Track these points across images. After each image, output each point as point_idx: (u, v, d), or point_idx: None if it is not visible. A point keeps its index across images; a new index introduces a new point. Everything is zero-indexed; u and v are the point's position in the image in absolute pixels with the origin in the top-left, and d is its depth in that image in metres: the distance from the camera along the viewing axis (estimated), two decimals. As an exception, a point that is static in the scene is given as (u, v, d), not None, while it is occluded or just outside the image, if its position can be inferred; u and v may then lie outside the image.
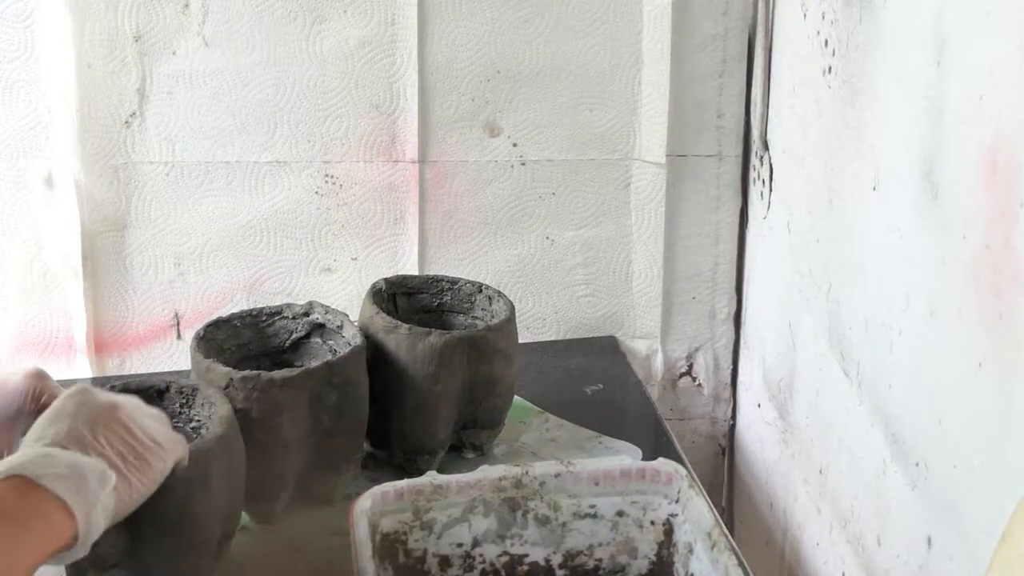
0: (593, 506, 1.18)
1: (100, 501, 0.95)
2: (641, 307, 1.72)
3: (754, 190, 1.65)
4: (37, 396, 1.10)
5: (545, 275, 1.70)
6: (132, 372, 1.63)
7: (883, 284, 1.18)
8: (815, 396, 1.41)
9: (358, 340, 1.30)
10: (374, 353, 1.33)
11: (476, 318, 1.43)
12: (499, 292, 1.43)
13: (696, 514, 1.15)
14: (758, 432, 1.66)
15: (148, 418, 1.04)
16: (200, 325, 1.32)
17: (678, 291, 1.73)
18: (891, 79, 1.16)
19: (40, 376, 1.12)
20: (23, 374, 1.11)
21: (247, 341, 1.35)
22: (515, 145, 1.64)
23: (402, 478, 1.18)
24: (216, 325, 1.32)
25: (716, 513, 1.17)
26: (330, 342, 1.35)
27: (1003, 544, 0.86)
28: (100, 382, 1.51)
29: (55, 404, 1.02)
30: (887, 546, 1.19)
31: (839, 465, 1.33)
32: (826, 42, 1.33)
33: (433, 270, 1.65)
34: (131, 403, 1.05)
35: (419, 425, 1.34)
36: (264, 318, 1.36)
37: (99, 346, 1.62)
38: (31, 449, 0.96)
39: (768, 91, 1.57)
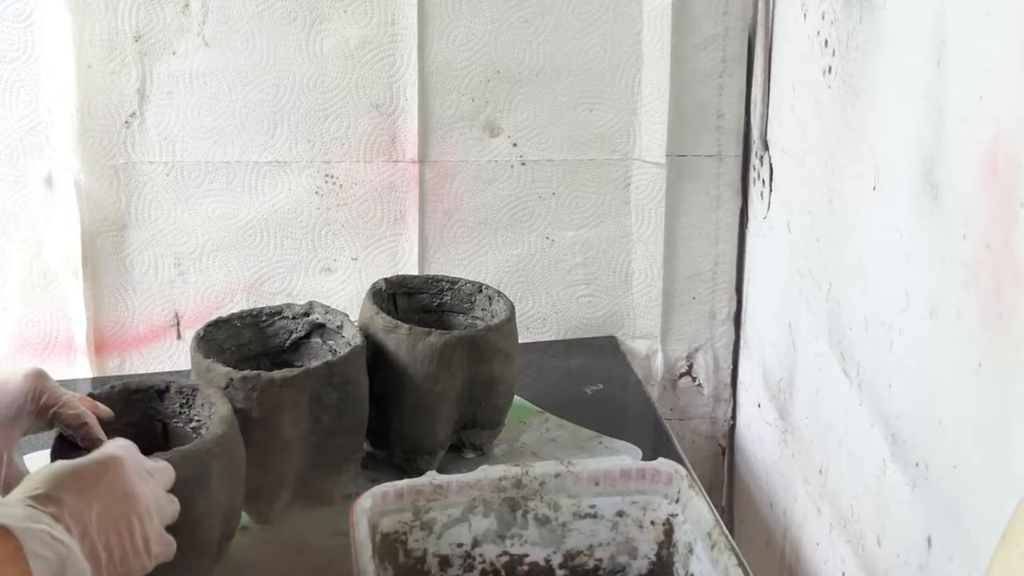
0: (593, 506, 1.18)
1: None
2: (641, 307, 1.72)
3: (754, 190, 1.65)
4: (37, 396, 1.10)
5: (545, 275, 1.70)
6: (132, 372, 1.63)
7: (883, 284, 1.18)
8: (815, 396, 1.41)
9: (358, 340, 1.30)
10: (374, 353, 1.33)
11: (476, 318, 1.43)
12: (499, 292, 1.43)
13: (696, 514, 1.15)
14: (758, 432, 1.66)
15: (157, 511, 1.01)
16: (200, 325, 1.32)
17: (678, 291, 1.73)
18: (891, 79, 1.16)
19: (40, 376, 1.12)
20: (23, 374, 1.11)
21: (247, 341, 1.35)
22: (515, 145, 1.64)
23: (402, 478, 1.18)
24: (216, 325, 1.32)
25: (716, 513, 1.17)
26: (330, 342, 1.35)
27: (1003, 544, 0.86)
28: (100, 382, 1.51)
29: (92, 461, 0.98)
30: (887, 546, 1.19)
31: (839, 465, 1.33)
32: (826, 42, 1.33)
33: (433, 270, 1.65)
34: (153, 489, 1.00)
35: (419, 425, 1.34)
36: (264, 318, 1.36)
37: (99, 346, 1.61)
38: (35, 504, 0.92)
39: (768, 91, 1.57)
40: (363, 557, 1.07)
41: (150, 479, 1.02)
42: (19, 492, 0.95)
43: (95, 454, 1.00)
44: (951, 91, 1.01)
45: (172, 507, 1.04)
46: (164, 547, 1.02)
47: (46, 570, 0.89)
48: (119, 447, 1.01)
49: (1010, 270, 0.91)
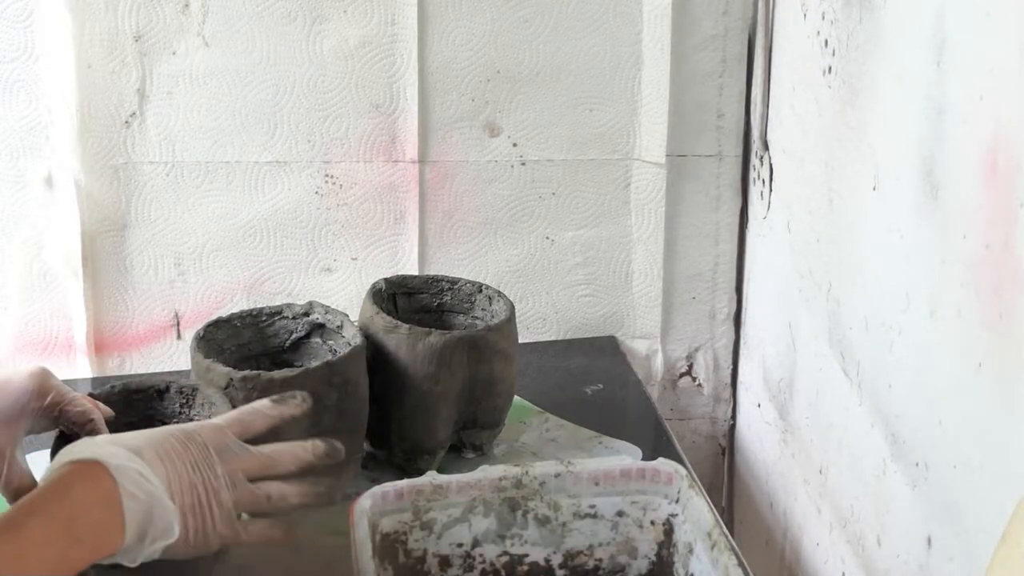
0: (593, 506, 1.18)
1: (149, 548, 0.94)
2: (641, 307, 1.72)
3: (754, 190, 1.65)
4: (43, 395, 1.10)
5: (545, 275, 1.70)
6: (132, 372, 1.63)
7: (883, 284, 1.18)
8: (815, 396, 1.41)
9: (358, 340, 1.30)
10: (374, 353, 1.33)
11: (476, 318, 1.43)
12: (499, 292, 1.43)
13: (696, 514, 1.15)
14: (758, 432, 1.66)
15: (232, 492, 1.00)
16: (200, 325, 1.32)
17: (678, 291, 1.73)
18: (891, 79, 1.16)
19: (45, 375, 1.12)
20: (28, 373, 1.11)
21: (247, 341, 1.35)
22: (515, 145, 1.64)
23: (402, 478, 1.18)
24: (216, 325, 1.32)
25: (716, 513, 1.17)
26: (330, 342, 1.35)
27: (1003, 544, 0.86)
28: (100, 382, 1.51)
29: (169, 429, 1.00)
30: (887, 546, 1.19)
31: (839, 465, 1.33)
32: (826, 42, 1.33)
33: (433, 270, 1.65)
34: (232, 472, 1.00)
35: (419, 425, 1.34)
36: (264, 318, 1.36)
37: (99, 346, 1.61)
38: (141, 444, 0.95)
39: (768, 91, 1.57)
40: (363, 557, 1.07)
41: (231, 460, 1.01)
42: (101, 438, 0.97)
43: (177, 426, 1.02)
44: (951, 91, 1.01)
45: (249, 495, 1.02)
46: (231, 531, 1.01)
47: (136, 510, 0.92)
48: (206, 424, 1.02)
49: (1010, 270, 0.91)
